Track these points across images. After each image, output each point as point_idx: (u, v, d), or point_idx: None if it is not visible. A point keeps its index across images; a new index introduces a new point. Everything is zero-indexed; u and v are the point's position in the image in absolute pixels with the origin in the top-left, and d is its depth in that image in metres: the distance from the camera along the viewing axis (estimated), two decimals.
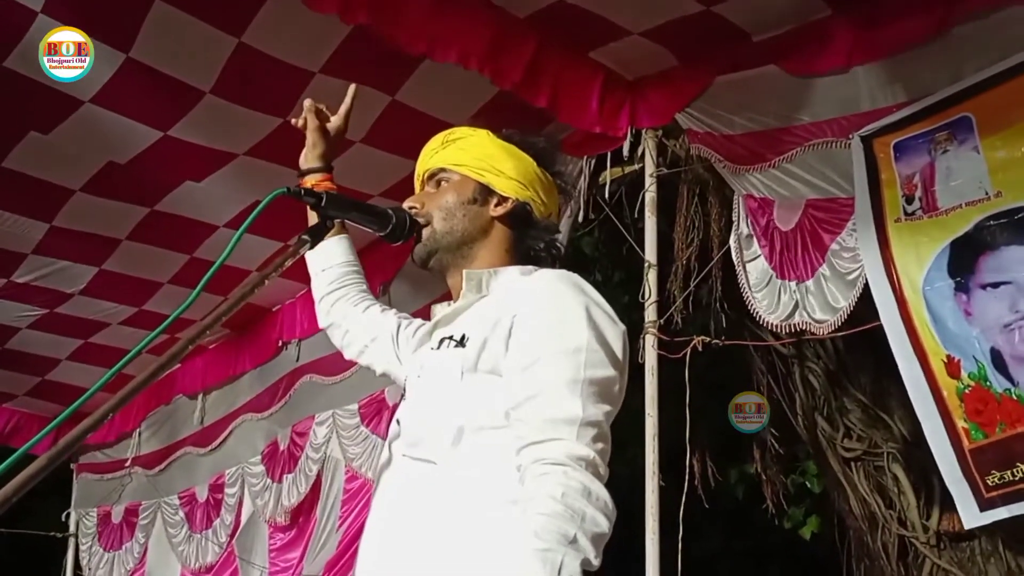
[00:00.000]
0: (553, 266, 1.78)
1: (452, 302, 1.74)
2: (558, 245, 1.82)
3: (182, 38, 2.98)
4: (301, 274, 2.08)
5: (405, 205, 1.75)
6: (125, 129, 3.37)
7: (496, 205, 1.73)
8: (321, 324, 2.05)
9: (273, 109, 3.34)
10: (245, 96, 3.27)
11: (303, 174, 1.99)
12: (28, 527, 6.03)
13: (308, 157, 2.00)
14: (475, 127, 1.82)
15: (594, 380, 1.47)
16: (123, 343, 4.99)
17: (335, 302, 2.00)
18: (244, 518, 5.06)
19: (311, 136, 2.00)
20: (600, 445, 1.44)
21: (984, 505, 2.57)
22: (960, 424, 2.60)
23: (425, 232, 1.72)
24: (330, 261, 2.01)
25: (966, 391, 2.60)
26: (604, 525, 1.36)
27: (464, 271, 1.67)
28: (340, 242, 2.02)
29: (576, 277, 1.60)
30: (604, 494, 1.38)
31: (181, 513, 5.52)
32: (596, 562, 1.33)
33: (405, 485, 1.58)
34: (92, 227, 4.01)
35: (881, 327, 2.78)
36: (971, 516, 2.61)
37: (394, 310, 2.00)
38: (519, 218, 1.74)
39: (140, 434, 5.78)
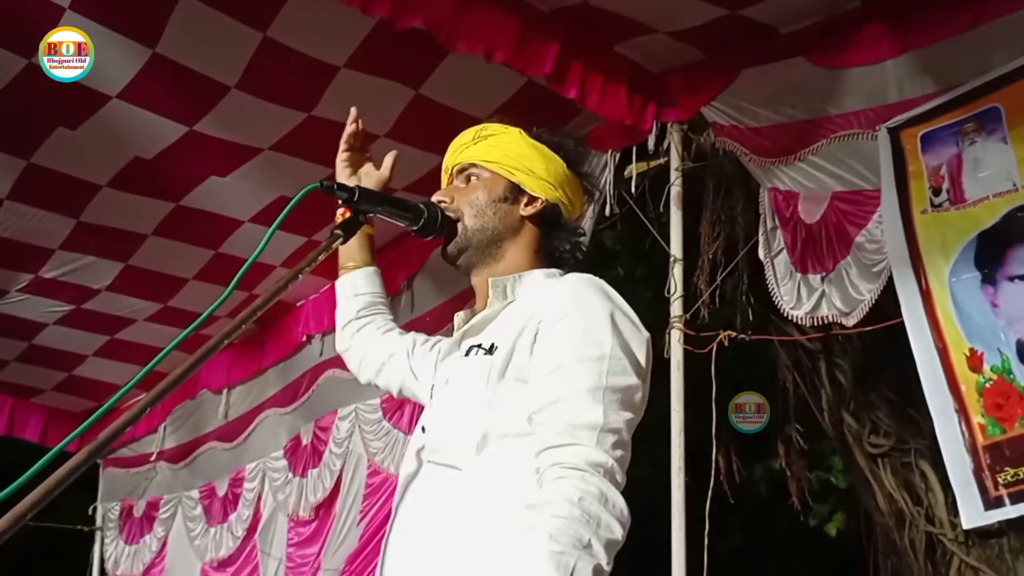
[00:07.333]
0: (576, 267, 1.77)
1: (474, 308, 1.75)
2: (582, 247, 1.82)
3: (208, 33, 3.00)
4: (324, 269, 2.07)
5: (434, 199, 1.74)
6: (151, 124, 3.39)
7: (526, 204, 1.73)
8: (339, 348, 2.02)
9: (298, 104, 3.36)
10: (270, 91, 3.29)
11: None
12: (55, 521, 6.05)
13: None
14: (506, 124, 1.80)
15: (616, 388, 1.47)
16: (149, 340, 5.02)
17: (361, 327, 1.97)
18: (265, 513, 5.09)
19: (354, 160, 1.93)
20: (619, 452, 1.44)
21: (990, 504, 2.54)
22: (976, 420, 2.58)
23: (458, 228, 1.71)
24: (363, 288, 1.98)
25: (987, 385, 2.58)
26: (618, 532, 1.36)
27: (489, 279, 1.67)
28: (374, 274, 2.00)
29: (601, 282, 1.59)
30: (620, 501, 1.39)
31: (200, 507, 5.55)
32: (607, 568, 1.33)
33: (429, 490, 1.59)
34: (118, 222, 4.04)
35: None
36: (973, 515, 2.58)
37: (414, 332, 1.98)
38: (548, 219, 1.75)
39: (165, 428, 5.82)
